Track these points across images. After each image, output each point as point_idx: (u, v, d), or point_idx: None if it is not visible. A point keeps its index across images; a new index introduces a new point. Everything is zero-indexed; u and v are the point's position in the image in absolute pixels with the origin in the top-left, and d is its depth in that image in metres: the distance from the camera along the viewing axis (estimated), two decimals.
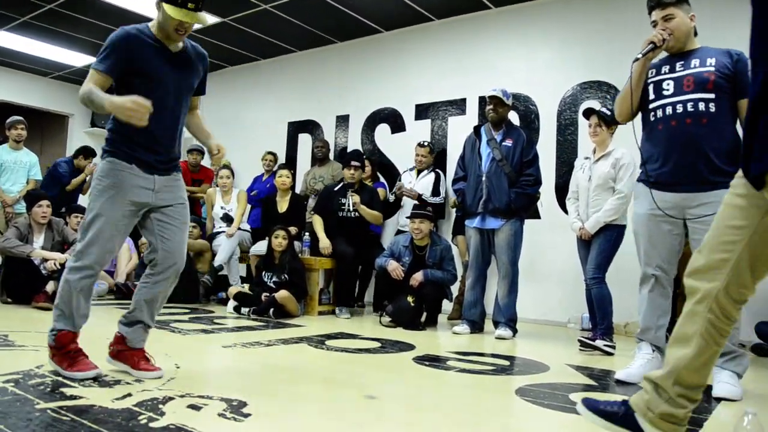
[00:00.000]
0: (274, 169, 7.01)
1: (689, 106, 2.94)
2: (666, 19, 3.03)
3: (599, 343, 4.07)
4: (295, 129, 8.23)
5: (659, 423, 1.75)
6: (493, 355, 3.93)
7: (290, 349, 3.72)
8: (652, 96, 3.09)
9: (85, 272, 2.58)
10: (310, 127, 8.06)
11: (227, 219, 6.49)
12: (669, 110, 2.99)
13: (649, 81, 3.11)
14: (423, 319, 5.17)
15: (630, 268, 4.81)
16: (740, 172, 1.70)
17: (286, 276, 5.44)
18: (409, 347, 3.99)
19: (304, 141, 8.12)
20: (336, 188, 6.04)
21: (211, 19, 6.97)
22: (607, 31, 5.78)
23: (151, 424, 1.95)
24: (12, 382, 2.42)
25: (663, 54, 3.09)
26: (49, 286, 5.05)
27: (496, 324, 4.81)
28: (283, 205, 6.34)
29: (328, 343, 4.03)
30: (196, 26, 2.69)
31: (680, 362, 1.72)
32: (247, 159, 8.41)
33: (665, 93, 3.03)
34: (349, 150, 7.33)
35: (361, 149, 7.20)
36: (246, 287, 5.70)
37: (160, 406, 2.19)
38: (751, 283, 1.70)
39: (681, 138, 2.94)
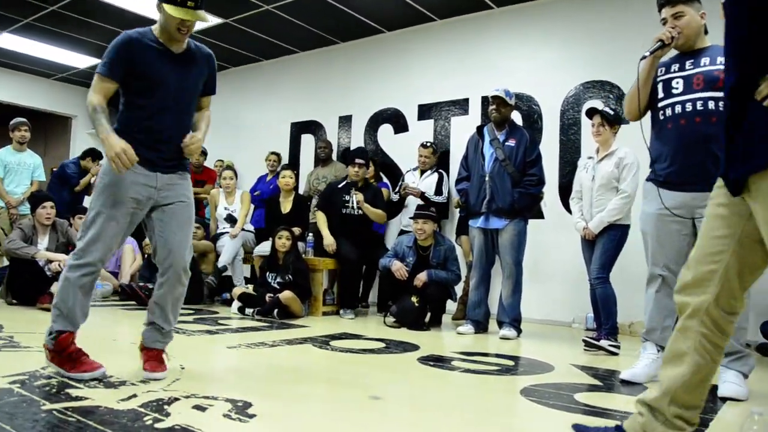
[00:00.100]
0: (278, 169, 7.01)
1: (699, 104, 2.92)
2: (676, 17, 2.99)
3: (604, 343, 4.06)
4: (298, 129, 8.23)
5: None
6: (498, 355, 3.93)
7: (295, 350, 3.72)
8: (661, 94, 3.06)
9: (86, 270, 2.58)
10: (313, 127, 8.06)
11: (231, 220, 6.50)
12: (678, 109, 2.97)
13: (659, 79, 3.08)
14: (427, 319, 5.17)
15: (634, 268, 4.81)
16: (719, 182, 1.69)
17: (290, 277, 5.45)
18: (414, 347, 3.99)
19: (307, 141, 8.12)
20: (340, 185, 6.04)
21: (213, 20, 6.98)
22: (610, 31, 5.77)
23: (157, 425, 1.96)
24: (18, 383, 2.43)
25: (673, 52, 3.05)
26: (54, 288, 5.03)
27: (500, 324, 4.81)
28: (286, 205, 6.35)
29: (333, 343, 4.03)
30: (199, 26, 2.71)
31: (675, 381, 1.69)
32: (250, 159, 8.41)
33: (675, 91, 3.00)
34: (352, 149, 7.32)
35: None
36: (250, 288, 5.70)
37: (166, 406, 2.19)
38: (740, 293, 1.68)
39: (690, 137, 2.92)
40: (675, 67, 3.05)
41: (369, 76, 7.58)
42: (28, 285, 5.19)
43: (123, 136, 2.62)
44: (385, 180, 6.95)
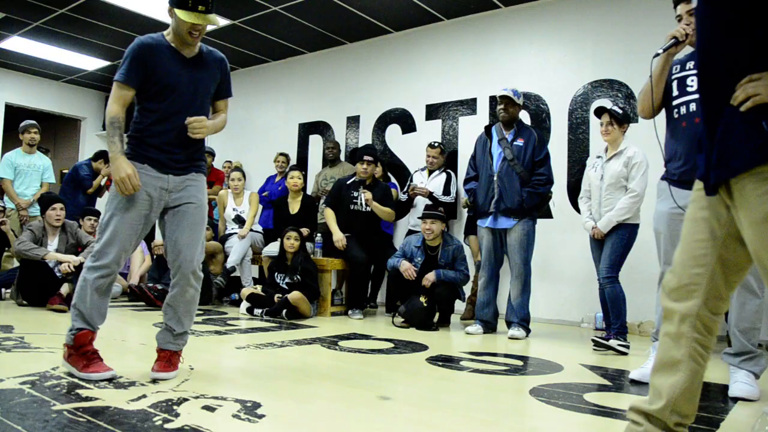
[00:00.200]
0: (287, 170, 7.03)
1: None
2: (691, 14, 2.93)
3: (613, 342, 4.04)
4: (306, 130, 8.25)
5: None
6: (507, 356, 3.92)
7: (303, 350, 3.72)
8: (675, 92, 3.02)
9: (102, 271, 2.63)
10: (321, 128, 8.08)
11: (239, 221, 6.52)
12: (693, 107, 2.93)
13: (673, 77, 3.04)
14: (436, 319, 5.17)
15: (643, 268, 4.80)
16: (698, 184, 1.70)
17: (298, 277, 5.46)
18: (422, 348, 3.99)
19: (315, 142, 8.13)
20: (348, 182, 6.04)
21: (221, 21, 7.00)
22: (619, 30, 5.75)
23: (166, 426, 1.96)
24: (29, 383, 2.44)
25: (688, 49, 3.00)
26: (64, 289, 5.10)
27: (509, 324, 4.80)
28: (294, 206, 6.36)
29: (341, 343, 4.04)
30: (207, 28, 2.74)
31: (675, 390, 1.68)
32: (258, 160, 8.44)
33: (689, 89, 2.96)
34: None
35: None
36: (258, 288, 5.71)
37: (175, 407, 2.20)
38: (727, 294, 1.69)
39: None
40: (690, 65, 2.99)
41: (377, 76, 7.58)
42: (38, 286, 5.22)
43: (134, 141, 2.71)
44: (393, 180, 6.95)
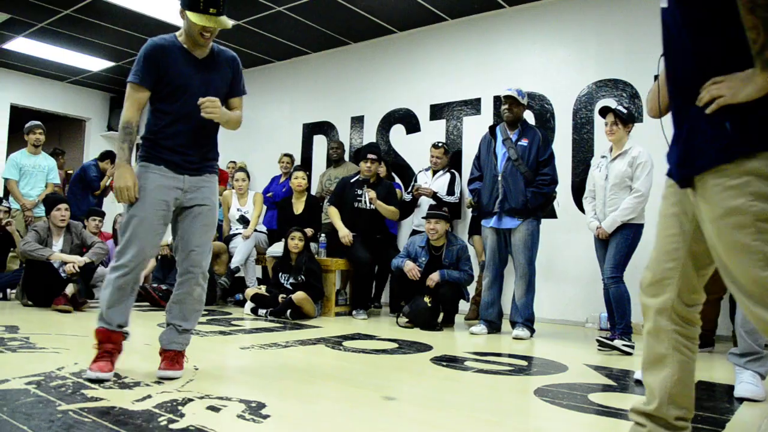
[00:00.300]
0: (291, 171, 7.03)
1: None
2: None
3: (618, 342, 4.04)
4: (310, 130, 8.25)
5: None
6: (511, 356, 3.92)
7: (308, 351, 3.72)
8: None
9: (121, 271, 2.67)
10: (325, 128, 8.08)
11: (243, 221, 6.52)
12: None
13: None
14: (440, 319, 5.16)
15: None
16: (669, 180, 1.73)
17: (302, 277, 5.46)
18: (427, 348, 3.99)
19: (319, 142, 8.14)
20: (352, 180, 6.04)
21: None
22: (623, 29, 5.74)
23: (171, 426, 1.97)
24: (34, 383, 2.45)
25: None
26: (69, 289, 5.11)
27: (513, 324, 4.79)
28: (298, 206, 6.36)
29: (346, 344, 4.04)
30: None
31: (666, 384, 1.70)
32: (262, 160, 8.45)
33: None
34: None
35: None
36: (263, 289, 5.72)
37: (180, 407, 2.20)
38: (700, 286, 1.72)
39: None
40: None
41: (381, 76, 7.58)
42: (43, 287, 5.24)
43: (148, 144, 2.75)
44: (398, 180, 6.94)
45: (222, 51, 2.89)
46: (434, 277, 5.11)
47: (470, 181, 5.12)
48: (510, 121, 4.87)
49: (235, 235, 6.49)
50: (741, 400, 2.73)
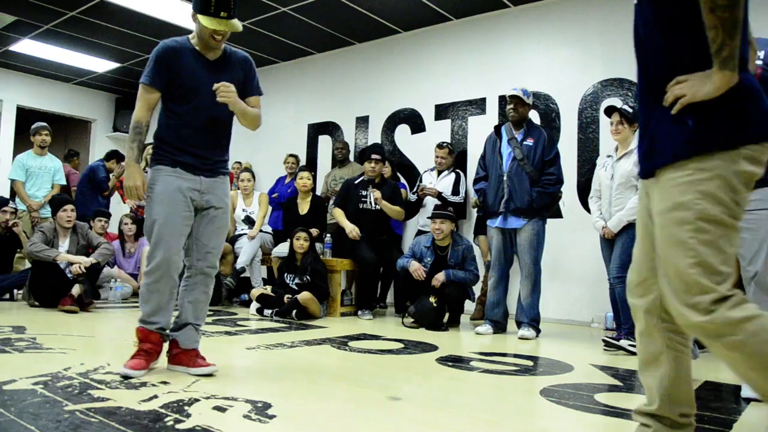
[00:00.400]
0: (296, 171, 7.04)
1: None
2: None
3: (624, 342, 4.02)
4: (315, 131, 8.26)
5: None
6: (517, 356, 3.91)
7: (313, 351, 3.73)
8: None
9: (155, 275, 2.75)
10: (330, 128, 8.08)
11: (249, 221, 6.53)
12: None
13: None
14: (445, 319, 5.16)
15: None
16: (641, 182, 1.76)
17: (308, 278, 5.46)
18: (432, 348, 3.99)
19: (324, 142, 8.15)
20: (357, 181, 6.04)
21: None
22: (628, 28, 5.68)
23: (178, 426, 1.97)
24: (41, 384, 2.46)
25: None
26: (75, 290, 5.12)
27: (519, 324, 4.79)
28: (304, 207, 6.37)
29: (351, 344, 4.04)
30: None
31: (664, 382, 1.70)
32: (267, 161, 8.46)
33: None
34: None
35: None
36: (268, 289, 5.73)
37: (186, 407, 2.21)
38: None
39: None
40: None
41: (386, 76, 7.58)
42: (49, 287, 5.25)
43: (162, 146, 2.79)
44: (403, 180, 6.94)
45: (234, 52, 2.92)
46: (440, 277, 5.11)
47: (475, 181, 5.11)
48: (515, 120, 4.86)
49: (240, 235, 6.50)
50: (748, 400, 2.71)
